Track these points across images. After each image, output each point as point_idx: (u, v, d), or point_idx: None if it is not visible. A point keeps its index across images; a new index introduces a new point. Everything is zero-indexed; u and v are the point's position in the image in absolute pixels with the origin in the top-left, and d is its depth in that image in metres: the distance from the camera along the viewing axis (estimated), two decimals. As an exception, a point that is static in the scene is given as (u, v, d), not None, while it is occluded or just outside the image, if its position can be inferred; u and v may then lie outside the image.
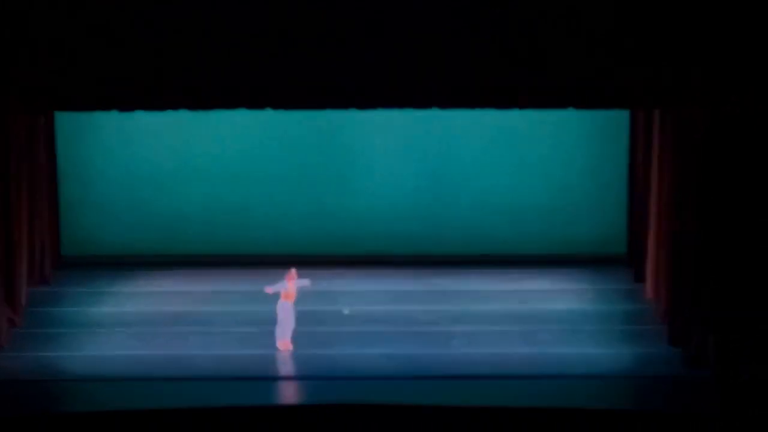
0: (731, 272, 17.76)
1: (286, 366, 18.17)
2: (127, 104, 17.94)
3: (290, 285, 18.64)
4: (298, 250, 22.27)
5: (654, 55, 17.27)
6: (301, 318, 19.71)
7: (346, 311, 19.95)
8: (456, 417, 16.42)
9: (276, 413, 16.53)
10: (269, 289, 18.47)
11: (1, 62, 17.04)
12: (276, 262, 21.99)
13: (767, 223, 17.67)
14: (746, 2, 16.93)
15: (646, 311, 19.97)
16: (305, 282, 18.78)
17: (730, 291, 17.79)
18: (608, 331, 19.34)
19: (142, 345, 18.80)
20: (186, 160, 22.26)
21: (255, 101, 18.02)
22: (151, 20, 16.97)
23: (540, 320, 19.69)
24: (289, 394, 17.16)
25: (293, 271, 18.77)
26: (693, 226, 18.06)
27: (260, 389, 17.35)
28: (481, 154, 22.29)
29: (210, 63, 17.29)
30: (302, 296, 20.47)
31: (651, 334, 19.12)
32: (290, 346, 18.53)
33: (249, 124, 21.81)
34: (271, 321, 19.62)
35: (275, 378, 17.73)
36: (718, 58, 17.10)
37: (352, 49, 17.25)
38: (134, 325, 19.58)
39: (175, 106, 18.04)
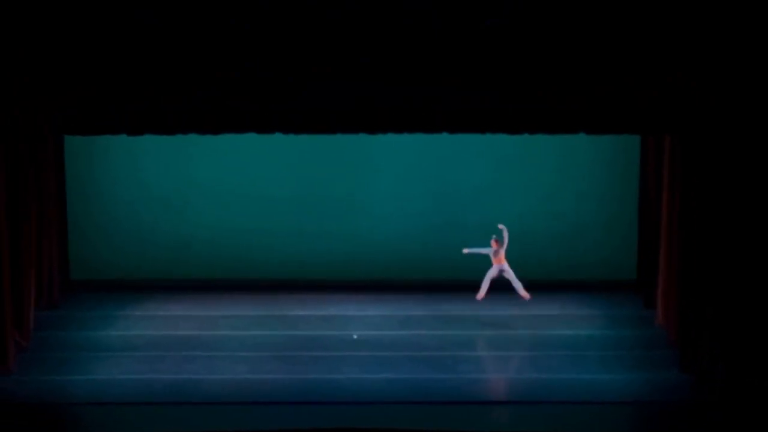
0: (742, 299, 17.65)
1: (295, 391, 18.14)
2: (135, 128, 17.98)
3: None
4: (305, 275, 22.28)
5: (665, 80, 17.24)
6: (308, 343, 19.73)
7: (354, 336, 19.95)
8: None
9: (282, 438, 16.52)
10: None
11: (10, 85, 17.09)
12: (282, 286, 22.10)
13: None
14: (759, 29, 16.88)
15: (656, 337, 19.87)
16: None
17: (741, 318, 17.67)
18: (618, 356, 19.23)
19: (150, 369, 18.76)
20: (194, 184, 22.29)
21: (263, 125, 18.05)
22: (159, 44, 17.01)
23: (548, 345, 19.61)
24: (296, 418, 17.08)
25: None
26: (704, 251, 17.97)
27: (268, 414, 17.29)
28: (489, 178, 22.28)
29: (219, 87, 17.32)
30: (310, 321, 20.56)
31: (661, 359, 19.01)
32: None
33: (256, 148, 21.84)
34: (279, 346, 19.65)
35: (282, 402, 17.66)
36: (731, 84, 17.05)
37: (361, 74, 17.25)
38: (142, 349, 19.54)
39: (184, 129, 18.07)
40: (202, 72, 17.23)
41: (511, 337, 19.95)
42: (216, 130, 18.12)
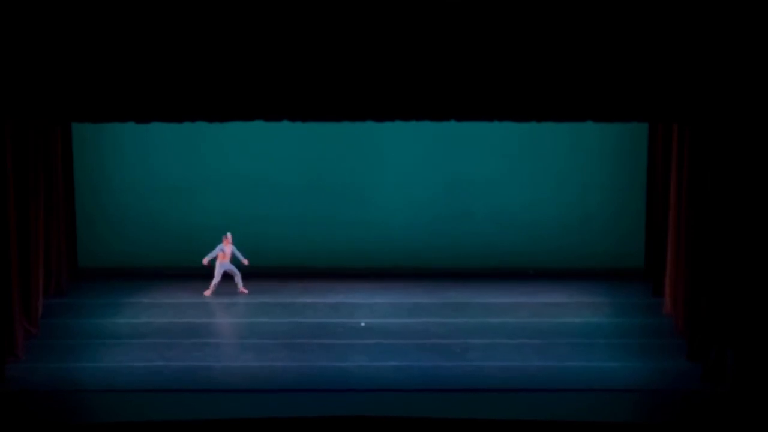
0: (751, 286, 17.62)
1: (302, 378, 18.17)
2: (143, 115, 17.95)
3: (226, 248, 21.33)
4: (312, 263, 22.31)
5: (672, 68, 17.18)
6: (316, 331, 19.76)
7: (362, 324, 19.98)
8: (470, 430, 16.39)
9: (290, 425, 16.51)
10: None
11: (18, 74, 17.09)
12: (291, 274, 22.12)
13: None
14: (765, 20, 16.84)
15: (663, 325, 19.87)
16: None
17: (749, 305, 17.64)
18: (625, 344, 19.24)
19: (158, 356, 18.81)
20: (202, 172, 22.33)
21: (272, 113, 18.00)
22: (168, 32, 16.99)
23: (556, 333, 19.61)
24: (304, 406, 17.11)
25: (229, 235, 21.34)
26: (711, 239, 17.96)
27: (275, 401, 17.32)
28: (497, 166, 22.27)
29: (227, 75, 17.29)
30: (318, 309, 20.60)
31: (669, 348, 19.00)
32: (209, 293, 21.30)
33: (264, 136, 21.84)
34: (287, 333, 19.68)
35: (289, 390, 17.70)
36: (737, 72, 17.00)
37: (369, 61, 17.22)
38: (150, 337, 19.60)
39: (191, 117, 18.04)
40: (202, 72, 17.20)
41: (519, 325, 19.96)
42: (217, 118, 18.09)
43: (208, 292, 21.31)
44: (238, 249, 21.74)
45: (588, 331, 19.74)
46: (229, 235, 21.34)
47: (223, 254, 21.33)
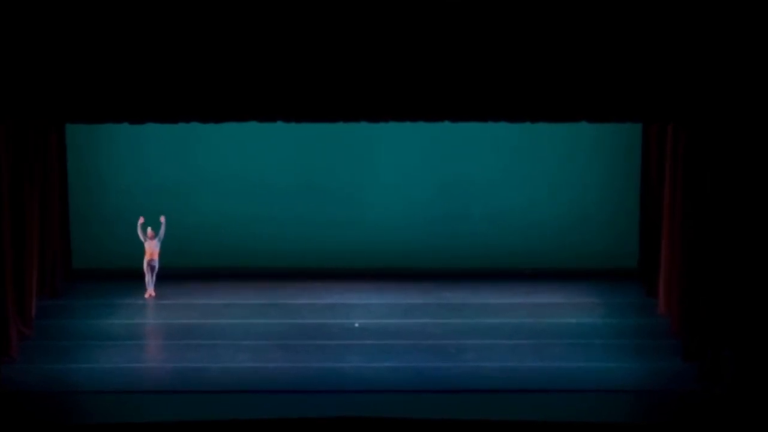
0: (746, 286, 17.65)
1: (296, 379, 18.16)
2: (138, 116, 17.93)
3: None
4: (308, 263, 22.28)
5: (668, 68, 17.20)
6: (311, 332, 19.73)
7: (356, 324, 19.97)
8: (466, 431, 16.39)
9: (285, 426, 16.50)
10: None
11: (12, 75, 17.06)
12: (286, 274, 22.10)
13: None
14: (762, 19, 16.84)
15: (658, 325, 19.89)
16: None
17: (744, 305, 17.67)
18: (620, 345, 19.25)
19: (153, 357, 18.80)
20: (197, 173, 22.31)
21: (266, 114, 17.99)
22: (162, 33, 16.98)
23: (551, 334, 19.62)
24: (299, 407, 17.09)
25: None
26: (706, 239, 17.98)
27: (270, 402, 17.30)
28: (493, 167, 22.28)
29: (221, 75, 17.28)
30: (314, 310, 20.59)
31: (664, 348, 19.03)
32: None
33: (259, 137, 21.83)
34: (282, 334, 19.67)
35: (285, 391, 17.68)
36: (734, 72, 17.02)
37: (364, 61, 17.22)
38: (144, 338, 19.60)
39: (186, 118, 18.03)
40: (196, 73, 17.18)
41: (515, 325, 19.96)
42: (212, 119, 18.07)
43: (147, 294, 21.25)
44: (231, 251, 21.77)
45: (583, 332, 19.75)
46: (149, 229, 21.20)
47: (150, 250, 21.17)
